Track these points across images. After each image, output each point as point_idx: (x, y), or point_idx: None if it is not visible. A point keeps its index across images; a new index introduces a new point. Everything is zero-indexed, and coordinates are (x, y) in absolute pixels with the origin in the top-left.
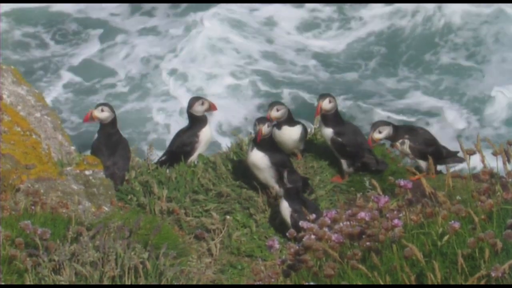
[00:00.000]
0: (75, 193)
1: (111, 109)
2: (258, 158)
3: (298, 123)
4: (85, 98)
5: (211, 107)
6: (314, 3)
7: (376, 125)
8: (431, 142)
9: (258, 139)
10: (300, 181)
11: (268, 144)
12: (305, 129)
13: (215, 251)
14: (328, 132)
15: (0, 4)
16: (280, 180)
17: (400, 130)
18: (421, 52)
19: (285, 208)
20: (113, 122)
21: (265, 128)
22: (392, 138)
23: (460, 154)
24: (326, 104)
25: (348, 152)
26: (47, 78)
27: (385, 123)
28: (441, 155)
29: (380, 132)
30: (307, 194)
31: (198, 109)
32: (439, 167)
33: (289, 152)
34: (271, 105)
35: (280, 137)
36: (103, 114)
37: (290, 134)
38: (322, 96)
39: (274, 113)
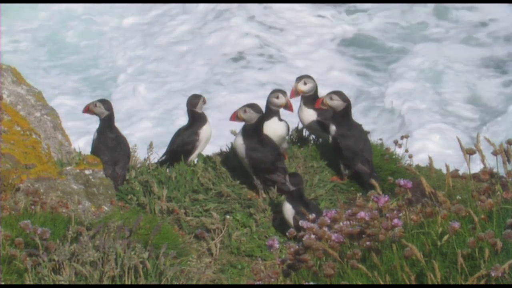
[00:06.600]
0: (75, 192)
1: (107, 105)
2: (238, 145)
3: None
4: None
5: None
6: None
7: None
8: None
9: (230, 118)
10: (303, 183)
11: (252, 133)
12: (288, 127)
13: (215, 250)
14: (332, 130)
15: (0, 4)
16: (260, 176)
17: None
18: None
19: (288, 209)
20: (110, 119)
21: (241, 112)
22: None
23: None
24: (301, 85)
25: (343, 156)
26: None
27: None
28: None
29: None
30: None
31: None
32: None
33: None
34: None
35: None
36: (98, 109)
37: (275, 129)
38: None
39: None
